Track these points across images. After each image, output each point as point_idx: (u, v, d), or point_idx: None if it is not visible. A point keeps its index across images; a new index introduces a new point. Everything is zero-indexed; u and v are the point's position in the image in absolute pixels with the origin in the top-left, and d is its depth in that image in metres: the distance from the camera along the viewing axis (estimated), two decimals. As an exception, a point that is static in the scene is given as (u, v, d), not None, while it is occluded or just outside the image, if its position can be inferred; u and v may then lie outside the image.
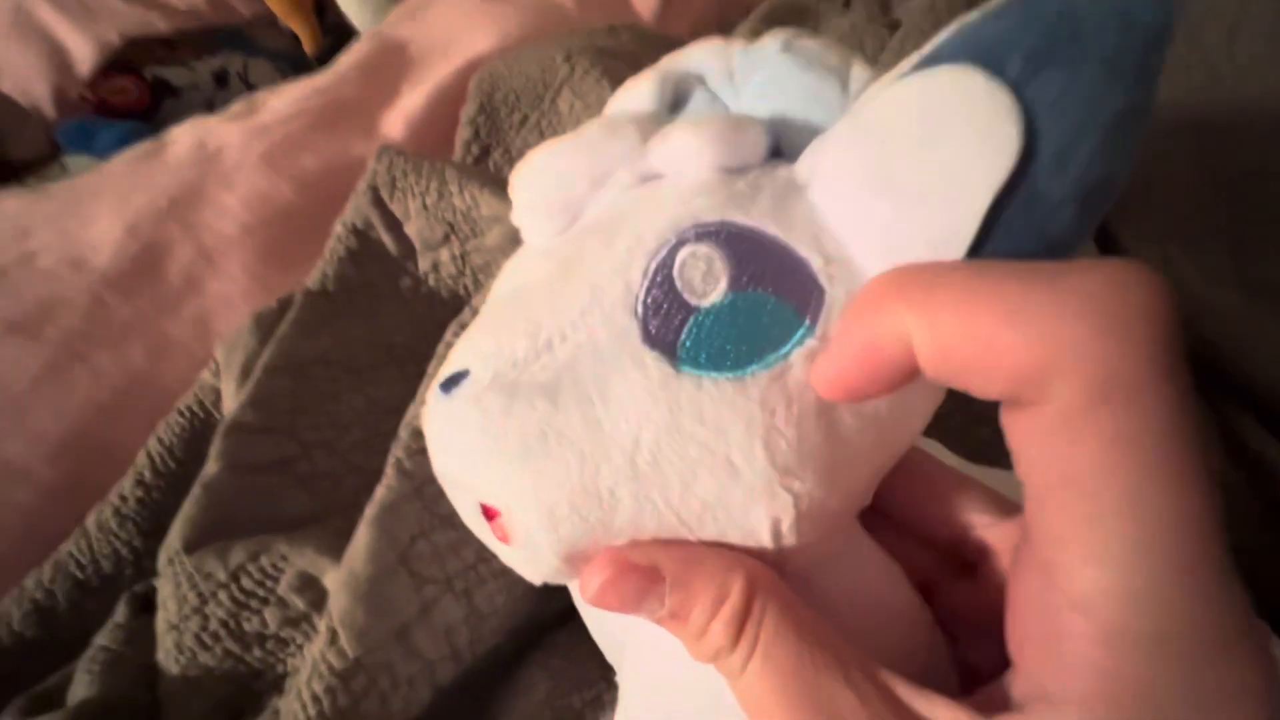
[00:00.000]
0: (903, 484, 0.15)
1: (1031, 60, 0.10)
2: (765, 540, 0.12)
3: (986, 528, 0.14)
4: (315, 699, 0.21)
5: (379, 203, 0.37)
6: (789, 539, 0.12)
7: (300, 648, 0.27)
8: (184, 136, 0.44)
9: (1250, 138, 0.40)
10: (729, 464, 0.12)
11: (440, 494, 0.26)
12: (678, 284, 0.12)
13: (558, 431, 0.12)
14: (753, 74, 0.15)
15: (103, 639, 0.28)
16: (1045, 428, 0.09)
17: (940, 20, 0.38)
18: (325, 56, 0.78)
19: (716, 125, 0.13)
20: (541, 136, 0.44)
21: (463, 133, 0.45)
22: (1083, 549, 0.09)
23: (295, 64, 0.81)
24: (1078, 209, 0.11)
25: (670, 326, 0.12)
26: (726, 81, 0.15)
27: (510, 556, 0.13)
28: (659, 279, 0.12)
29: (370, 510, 0.25)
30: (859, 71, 0.14)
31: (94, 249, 0.36)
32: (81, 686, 0.26)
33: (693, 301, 0.12)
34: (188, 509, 0.28)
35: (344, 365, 0.34)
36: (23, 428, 0.32)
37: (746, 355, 0.12)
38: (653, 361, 0.12)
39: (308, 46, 0.77)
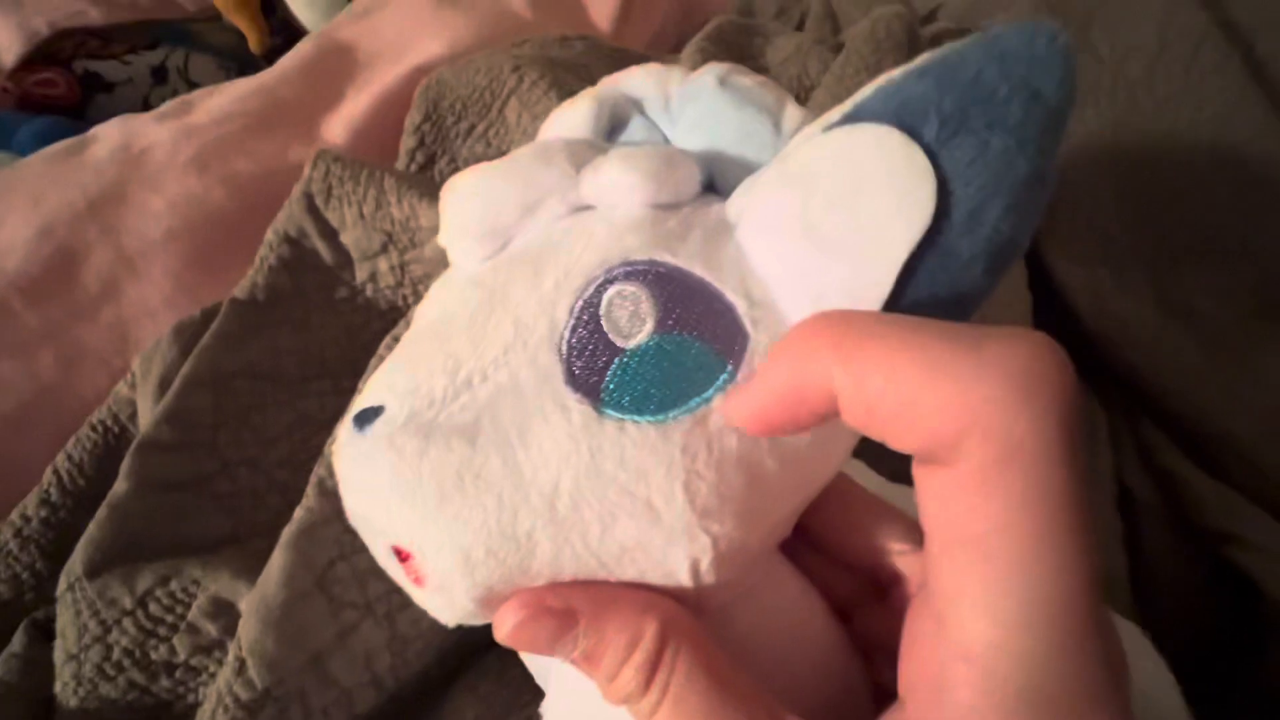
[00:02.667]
0: (823, 510, 0.15)
1: (946, 125, 0.11)
2: (685, 581, 0.12)
3: (900, 555, 0.14)
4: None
5: (314, 210, 0.36)
6: (708, 578, 0.12)
7: (213, 676, 0.25)
8: (109, 134, 0.42)
9: (1168, 166, 0.42)
10: (649, 507, 0.12)
11: None
12: (604, 324, 0.12)
13: (475, 474, 0.12)
14: (688, 106, 0.15)
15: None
16: (953, 485, 0.09)
17: (881, 47, 0.39)
18: (272, 56, 0.76)
19: (650, 160, 0.13)
20: (488, 146, 0.44)
21: (407, 141, 0.44)
22: (976, 604, 0.09)
23: (241, 62, 0.78)
24: (986, 266, 0.11)
25: (594, 368, 0.12)
26: (663, 110, 0.16)
27: (423, 599, 0.13)
28: (585, 318, 0.12)
29: (287, 532, 0.25)
30: (792, 111, 0.15)
31: (2, 252, 0.34)
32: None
33: (619, 343, 0.12)
34: (92, 530, 0.26)
35: (271, 378, 0.33)
36: (-85, 443, 0.30)
37: (670, 399, 0.12)
38: (575, 404, 0.12)
39: (254, 45, 0.75)
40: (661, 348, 0.12)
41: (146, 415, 0.31)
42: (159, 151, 0.40)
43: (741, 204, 0.13)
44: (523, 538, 0.12)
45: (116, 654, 0.25)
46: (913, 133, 0.11)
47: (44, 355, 0.33)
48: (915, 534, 0.15)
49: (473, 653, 0.27)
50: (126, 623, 0.25)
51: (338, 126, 0.46)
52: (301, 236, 0.36)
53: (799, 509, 0.14)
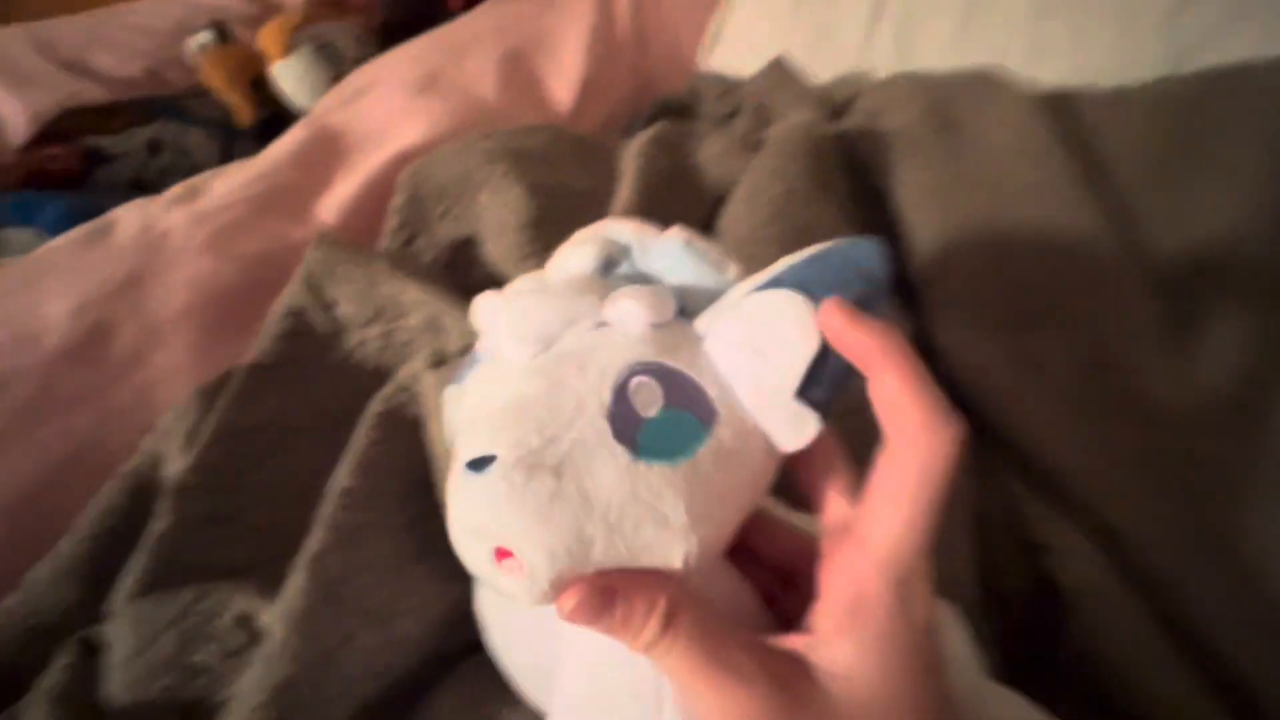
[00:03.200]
0: (749, 530, 0.22)
1: (825, 290, 0.19)
2: (679, 566, 0.19)
3: (798, 553, 0.22)
4: (255, 709, 0.26)
5: (314, 288, 0.43)
6: (693, 564, 0.19)
7: (238, 677, 0.31)
8: (129, 219, 0.48)
9: (1021, 246, 0.52)
10: (664, 518, 0.18)
11: (362, 544, 0.31)
12: (633, 402, 0.19)
13: (561, 499, 0.17)
14: (663, 257, 0.23)
15: (49, 679, 0.32)
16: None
17: (785, 152, 0.48)
18: (260, 128, 0.83)
19: (648, 297, 0.20)
20: (461, 226, 0.51)
21: (391, 220, 0.51)
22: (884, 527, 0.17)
23: (228, 133, 0.85)
24: (850, 371, 0.19)
25: (630, 429, 0.18)
26: (642, 254, 0.23)
27: (513, 586, 0.18)
28: (620, 397, 0.18)
29: (302, 558, 0.31)
30: (732, 265, 0.22)
31: (44, 327, 0.40)
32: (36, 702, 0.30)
33: (642, 414, 0.18)
34: (140, 559, 0.32)
35: (281, 429, 0.39)
36: (-28, 493, 0.36)
37: (675, 450, 0.18)
38: (621, 453, 0.18)
39: (242, 118, 0.82)
40: (667, 417, 0.19)
41: (175, 463, 0.37)
42: (176, 236, 0.47)
43: (705, 326, 0.20)
44: (587, 540, 0.17)
45: (158, 661, 0.30)
46: (808, 294, 0.19)
47: (81, 416, 0.39)
48: (807, 539, 0.22)
49: (454, 661, 0.33)
50: (169, 633, 0.31)
51: (330, 208, 0.53)
52: (302, 311, 0.43)
53: (739, 524, 0.21)
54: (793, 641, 0.19)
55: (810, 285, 0.19)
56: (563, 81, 0.77)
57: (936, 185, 0.54)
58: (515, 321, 0.20)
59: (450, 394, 0.25)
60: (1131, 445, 0.40)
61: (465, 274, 0.49)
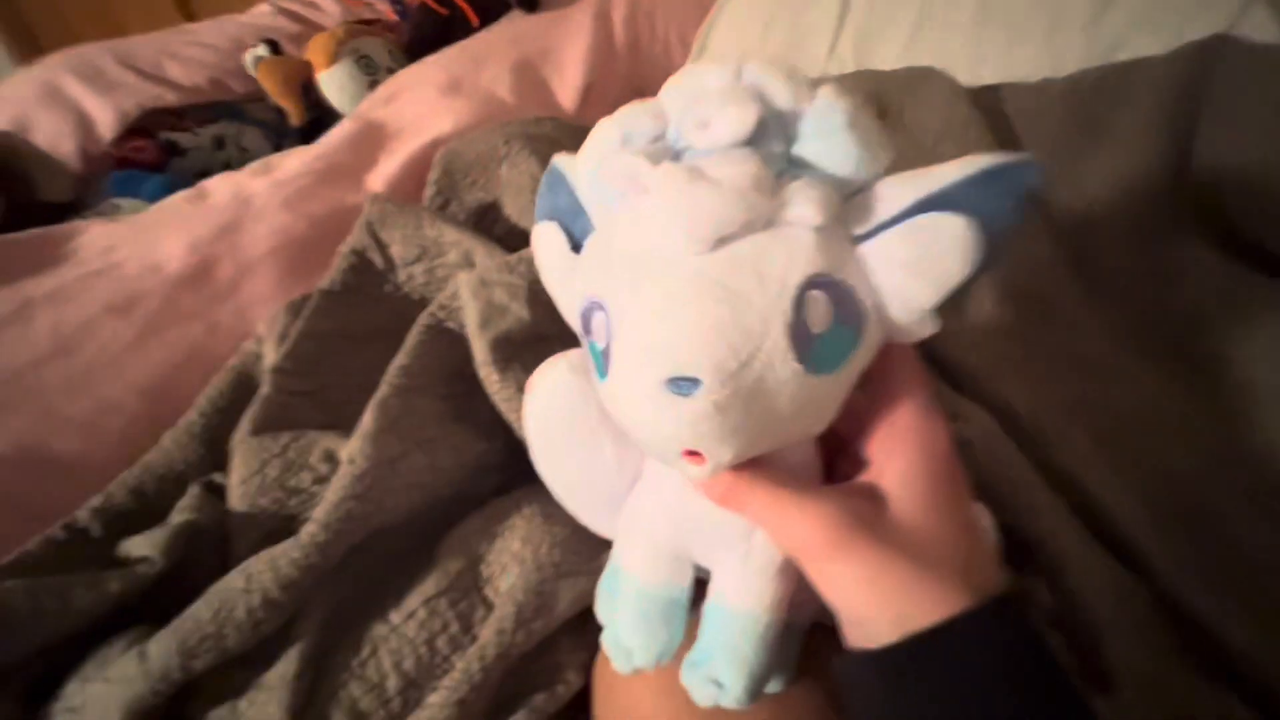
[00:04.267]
0: None
1: (989, 215, 0.19)
2: (810, 438, 0.23)
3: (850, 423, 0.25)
4: (340, 489, 0.37)
5: (372, 233, 0.55)
6: (817, 433, 0.22)
7: (320, 500, 0.42)
8: (220, 186, 0.61)
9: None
10: (822, 418, 0.21)
11: (414, 398, 0.42)
12: (807, 319, 0.19)
13: (751, 417, 0.19)
14: (818, 133, 0.20)
15: (182, 504, 0.43)
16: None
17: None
18: (307, 128, 0.95)
19: (824, 200, 0.19)
20: (485, 194, 0.63)
21: (429, 190, 0.63)
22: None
23: (279, 132, 0.98)
24: (985, 269, 0.20)
25: (804, 346, 0.19)
26: (793, 120, 0.21)
27: (694, 472, 0.20)
28: (798, 314, 0.19)
29: (371, 404, 0.42)
30: (885, 151, 0.21)
31: (165, 260, 0.52)
32: (178, 515, 0.41)
33: (814, 330, 0.19)
34: (252, 411, 0.43)
35: (347, 336, 0.51)
36: (119, 377, 0.47)
37: (836, 362, 0.20)
38: (798, 370, 0.19)
39: (294, 119, 0.94)
40: (834, 333, 0.19)
41: (271, 356, 0.48)
42: (259, 198, 0.59)
43: (862, 225, 0.20)
44: (760, 443, 0.20)
45: (268, 481, 0.41)
46: (974, 219, 0.19)
47: (195, 326, 0.51)
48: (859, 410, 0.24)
49: (480, 503, 0.43)
50: (275, 462, 0.42)
51: (378, 181, 0.65)
52: (363, 250, 0.55)
53: None
54: (856, 481, 0.23)
55: (978, 208, 0.19)
56: (566, 87, 0.89)
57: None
58: (692, 217, 0.19)
59: (546, 233, 0.25)
60: (1065, 390, 0.48)
61: (489, 230, 0.61)
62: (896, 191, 0.20)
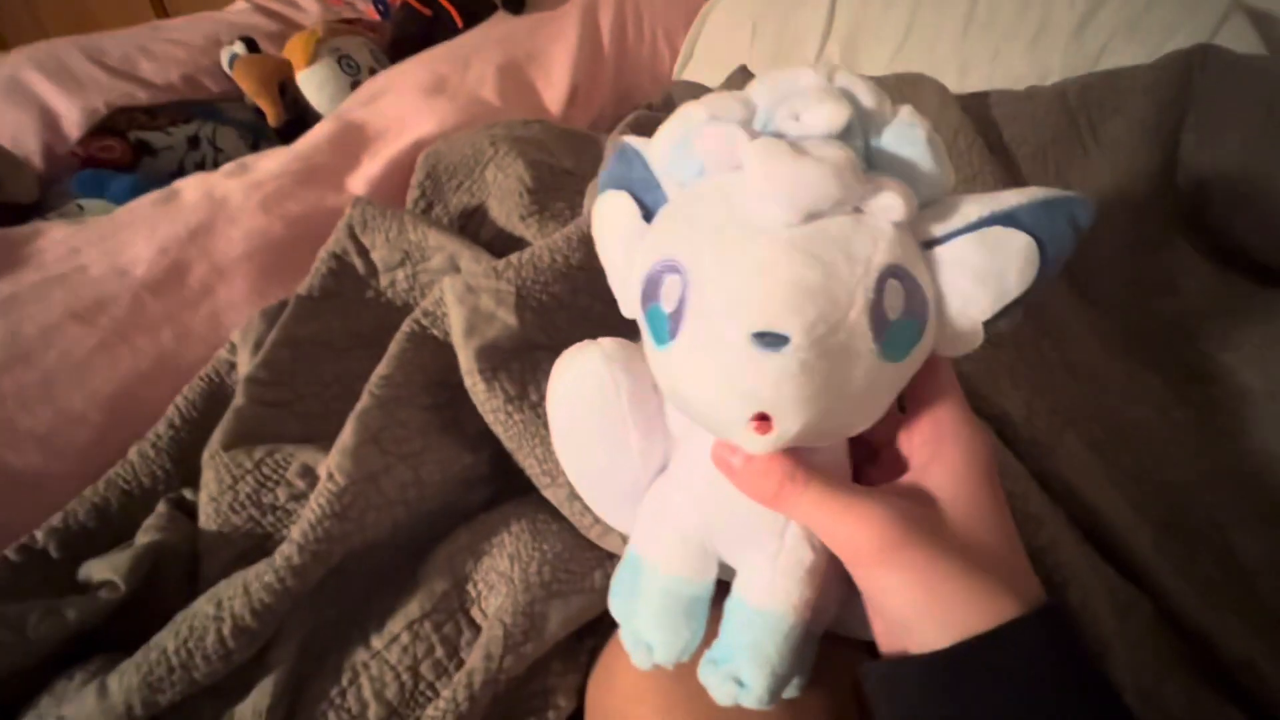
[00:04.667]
0: None
1: (1049, 239, 0.21)
2: (856, 433, 0.22)
3: (884, 433, 0.26)
4: (318, 508, 0.35)
5: (353, 236, 0.53)
6: (872, 422, 0.22)
7: (296, 517, 0.40)
8: (193, 185, 0.58)
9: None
10: (882, 404, 0.21)
11: (397, 409, 0.39)
12: (884, 304, 0.20)
13: (832, 381, 0.20)
14: (900, 141, 0.22)
15: (148, 523, 0.40)
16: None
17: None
18: (285, 128, 0.93)
19: (907, 196, 0.20)
20: (471, 197, 0.61)
21: (412, 193, 0.61)
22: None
23: (256, 132, 0.95)
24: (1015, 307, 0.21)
25: (881, 329, 0.20)
26: (877, 126, 0.22)
27: (755, 442, 0.20)
28: (876, 300, 0.20)
29: (351, 416, 0.40)
30: (952, 168, 0.23)
31: (133, 263, 0.50)
32: (144, 534, 0.38)
33: (889, 316, 0.20)
34: (225, 424, 0.41)
35: (326, 345, 0.48)
36: (82, 387, 0.45)
37: (902, 352, 0.21)
38: (873, 350, 0.20)
39: (271, 119, 0.92)
40: (903, 323, 0.20)
41: (245, 365, 0.46)
42: (234, 198, 0.56)
43: (931, 230, 0.21)
44: (827, 419, 0.20)
45: (242, 497, 0.39)
46: (1038, 240, 0.21)
47: (164, 333, 0.48)
48: (893, 421, 0.25)
49: (466, 517, 0.42)
50: (248, 478, 0.40)
51: (359, 182, 0.63)
52: (344, 254, 0.53)
53: None
54: (900, 482, 0.23)
55: (1040, 231, 0.21)
56: (552, 89, 0.88)
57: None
58: (794, 185, 0.19)
59: (616, 200, 0.25)
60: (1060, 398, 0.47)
61: (475, 234, 0.59)
62: (970, 206, 0.21)
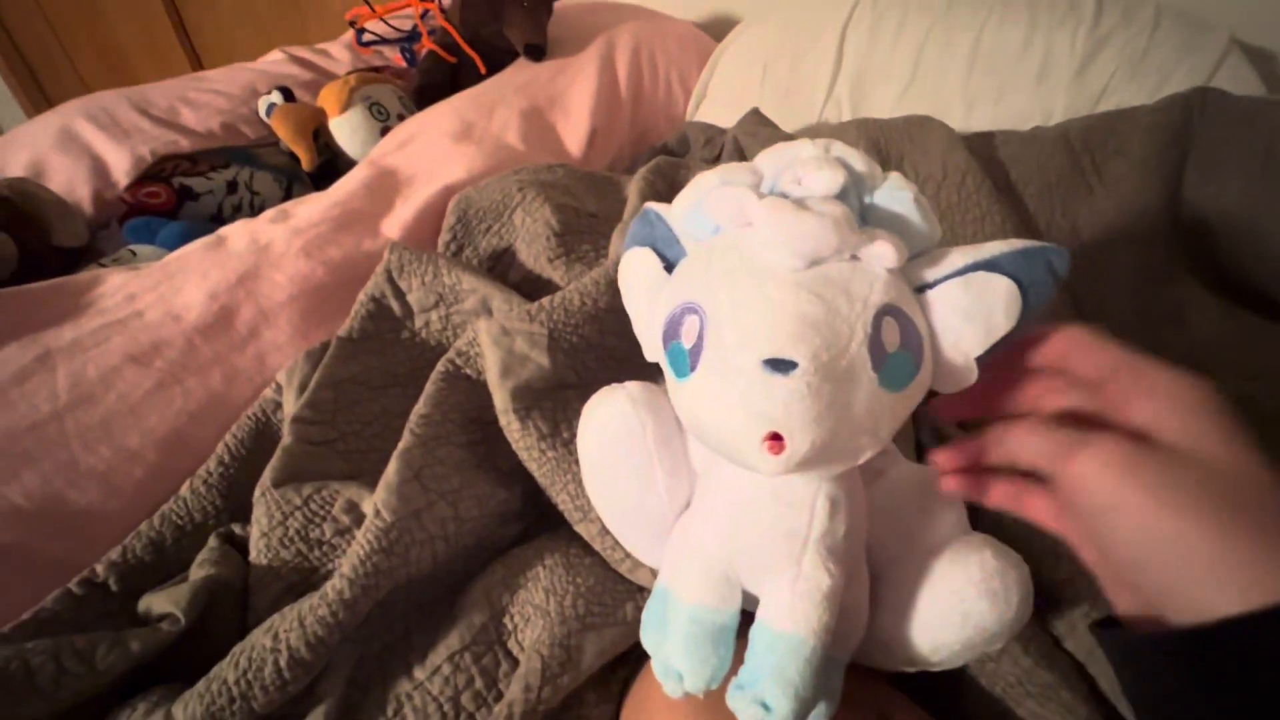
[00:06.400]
0: None
1: (1029, 284, 0.23)
2: (872, 453, 0.24)
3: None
4: (366, 543, 0.37)
5: (391, 280, 0.56)
6: (875, 451, 0.24)
7: (344, 552, 0.42)
8: (239, 232, 0.62)
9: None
10: (881, 426, 0.23)
11: (436, 447, 0.42)
12: (882, 339, 0.22)
13: (835, 407, 0.22)
14: (891, 200, 0.25)
15: (201, 557, 0.43)
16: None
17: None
18: (317, 171, 0.97)
19: (898, 245, 0.23)
20: (500, 240, 0.64)
21: (444, 236, 0.64)
22: None
23: (289, 175, 0.99)
24: (1002, 346, 0.23)
25: (879, 360, 0.22)
26: (869, 188, 0.25)
27: (768, 462, 0.22)
28: (873, 334, 0.22)
29: (395, 454, 0.42)
30: (937, 224, 0.25)
31: (185, 308, 0.53)
32: (197, 568, 0.40)
33: (887, 349, 0.22)
34: (274, 462, 0.43)
35: (366, 384, 0.51)
36: (139, 426, 0.47)
37: (900, 383, 0.23)
38: (873, 378, 0.22)
39: (306, 164, 0.96)
40: (899, 356, 0.22)
41: (290, 405, 0.49)
42: (277, 244, 0.60)
43: (921, 277, 0.24)
44: (833, 440, 0.22)
45: (290, 532, 0.41)
46: (1019, 285, 0.23)
47: (214, 374, 0.51)
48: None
49: (501, 552, 0.43)
50: (297, 514, 0.42)
51: (394, 227, 0.66)
52: (381, 297, 0.55)
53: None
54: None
55: (1021, 275, 0.23)
56: (573, 133, 0.91)
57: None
58: (797, 235, 0.22)
59: (641, 256, 0.28)
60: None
61: (504, 275, 0.62)
62: (957, 255, 0.24)
